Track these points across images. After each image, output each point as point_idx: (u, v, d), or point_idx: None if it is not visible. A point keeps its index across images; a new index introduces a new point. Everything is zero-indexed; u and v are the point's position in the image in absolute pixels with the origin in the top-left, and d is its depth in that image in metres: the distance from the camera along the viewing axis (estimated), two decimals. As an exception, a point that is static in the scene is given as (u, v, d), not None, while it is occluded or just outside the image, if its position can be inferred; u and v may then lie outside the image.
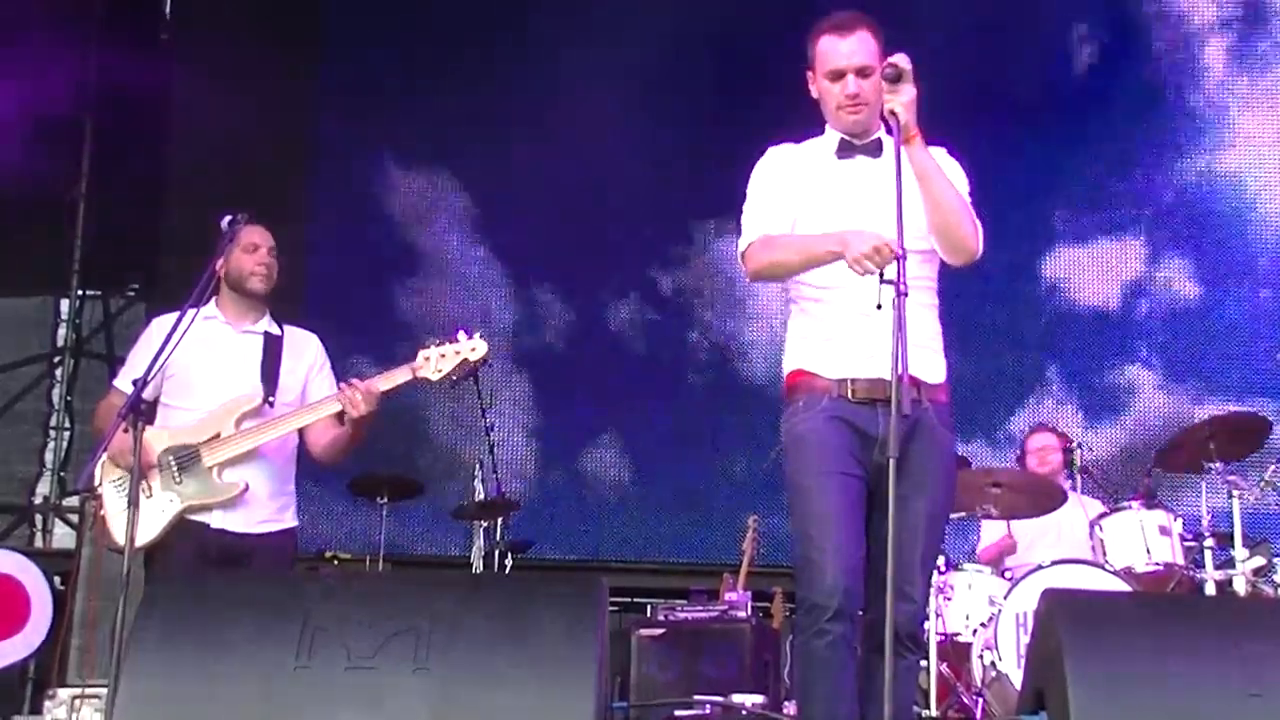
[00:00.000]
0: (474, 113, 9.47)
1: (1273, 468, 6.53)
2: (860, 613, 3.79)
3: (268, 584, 3.78)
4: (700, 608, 7.04)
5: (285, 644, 3.32)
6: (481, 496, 7.63)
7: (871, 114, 3.97)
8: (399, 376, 4.80)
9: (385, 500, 7.52)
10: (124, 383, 4.87)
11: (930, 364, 3.95)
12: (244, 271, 4.93)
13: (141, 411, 4.57)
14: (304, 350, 5.07)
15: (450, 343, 4.80)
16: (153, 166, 9.57)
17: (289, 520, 4.97)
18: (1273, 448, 6.89)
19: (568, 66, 9.35)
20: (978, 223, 3.99)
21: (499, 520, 7.63)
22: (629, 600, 8.26)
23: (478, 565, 7.49)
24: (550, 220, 9.44)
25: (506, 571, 7.49)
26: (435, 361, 4.76)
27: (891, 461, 3.58)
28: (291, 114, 9.63)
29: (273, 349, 4.96)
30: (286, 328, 5.08)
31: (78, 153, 9.61)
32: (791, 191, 4.02)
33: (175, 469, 4.75)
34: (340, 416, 4.83)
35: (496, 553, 7.57)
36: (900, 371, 3.56)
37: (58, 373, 9.75)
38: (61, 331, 9.81)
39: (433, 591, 3.53)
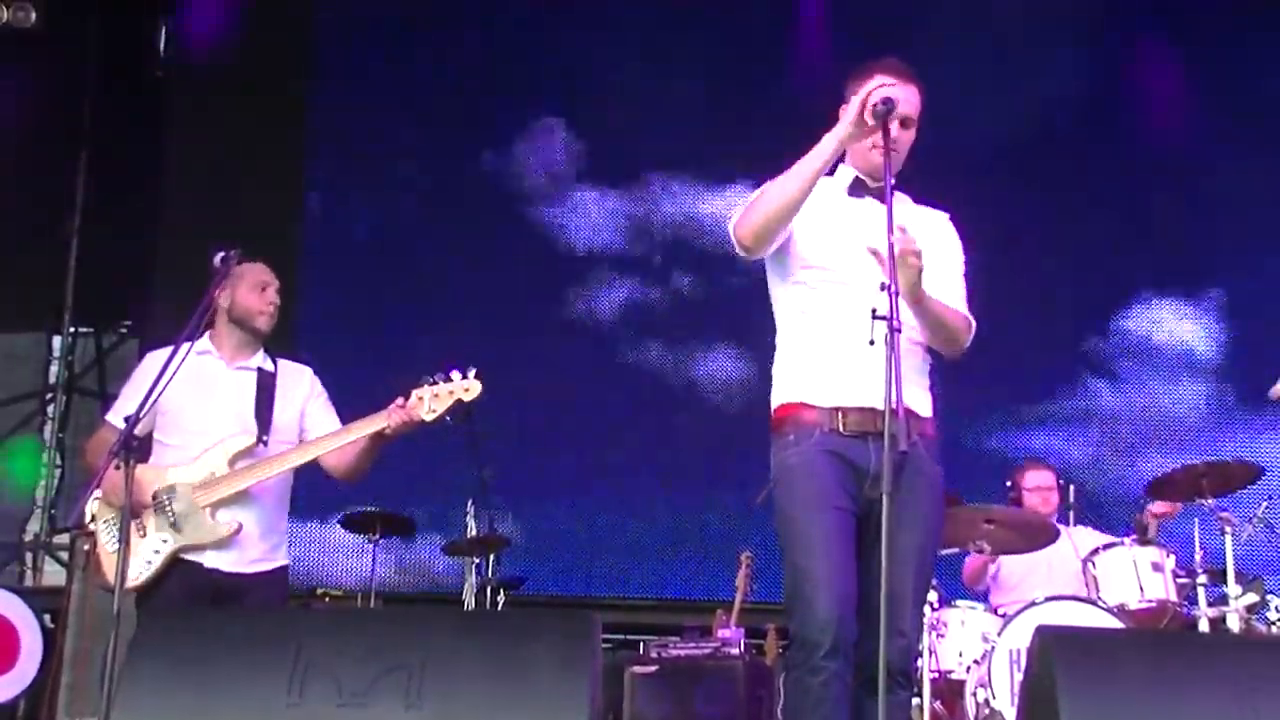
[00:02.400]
0: (464, 155, 9.53)
1: (1265, 504, 6.52)
2: (853, 647, 3.77)
3: (260, 620, 3.77)
4: (693, 644, 7.03)
5: (277, 681, 3.30)
6: (474, 532, 7.62)
7: (897, 163, 3.99)
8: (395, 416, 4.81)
9: (377, 537, 7.50)
10: (116, 418, 4.83)
11: (919, 398, 3.97)
12: (252, 310, 4.95)
13: (133, 449, 4.55)
14: (298, 385, 5.07)
15: (444, 381, 4.78)
16: (146, 203, 9.57)
17: (281, 558, 4.96)
18: (1265, 483, 6.87)
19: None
20: (972, 321, 4.05)
21: (491, 556, 7.62)
22: (622, 637, 8.23)
23: (470, 602, 7.47)
24: (542, 262, 9.49)
25: (499, 608, 7.47)
26: (429, 401, 4.74)
27: (886, 496, 3.57)
28: (284, 150, 9.65)
29: (266, 386, 4.96)
30: (280, 362, 5.08)
31: (71, 190, 9.62)
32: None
33: (170, 509, 4.74)
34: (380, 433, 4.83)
35: (489, 589, 7.55)
36: (895, 406, 3.55)
37: (49, 409, 9.74)
38: (54, 368, 9.79)
39: (425, 628, 3.52)
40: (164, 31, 9.90)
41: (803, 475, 3.90)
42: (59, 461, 9.58)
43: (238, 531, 4.76)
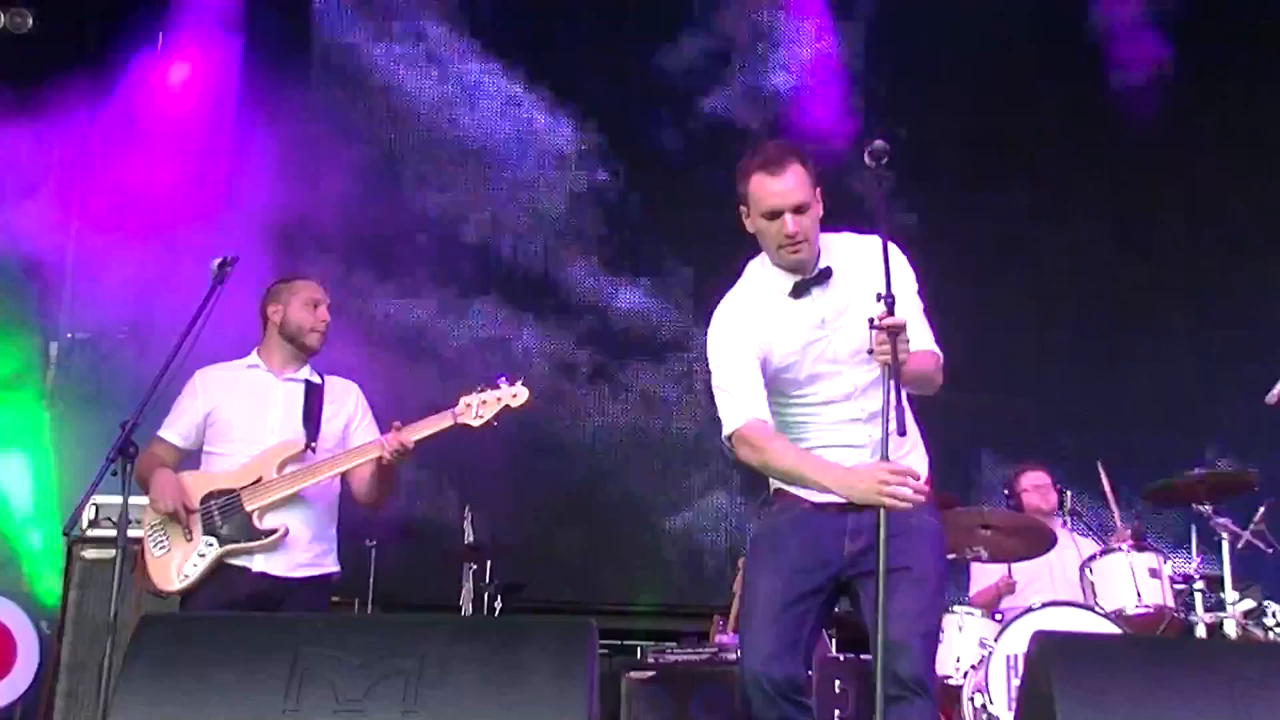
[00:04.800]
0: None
1: (1261, 511, 6.53)
2: (798, 686, 3.94)
3: (256, 627, 3.76)
4: (691, 650, 7.03)
5: (273, 687, 3.30)
6: (471, 538, 7.62)
7: (812, 248, 4.00)
8: (440, 423, 4.87)
9: (374, 543, 7.49)
10: (168, 433, 5.00)
11: (914, 460, 4.00)
12: (304, 327, 5.04)
13: (130, 455, 4.62)
14: (344, 399, 5.14)
15: (491, 389, 4.87)
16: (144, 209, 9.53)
17: (330, 565, 5.05)
18: (1262, 489, 6.88)
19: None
20: (939, 354, 4.07)
21: (488, 562, 7.61)
22: (619, 643, 8.23)
23: (467, 608, 7.46)
24: (535, 266, 9.50)
25: (496, 614, 7.47)
26: (476, 408, 4.85)
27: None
28: (282, 153, 9.62)
29: (314, 397, 5.04)
30: (327, 377, 5.16)
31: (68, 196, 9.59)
32: (757, 354, 4.03)
33: (216, 513, 4.78)
34: (378, 460, 4.91)
35: (486, 595, 7.54)
36: (894, 406, 3.68)
37: (46, 416, 9.70)
38: (50, 374, 9.76)
39: (422, 634, 3.52)
40: (161, 37, 9.87)
41: (770, 542, 4.09)
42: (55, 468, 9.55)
43: (284, 535, 4.82)
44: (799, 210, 3.93)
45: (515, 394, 4.86)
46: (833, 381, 4.00)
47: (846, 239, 4.13)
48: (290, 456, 4.88)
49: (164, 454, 4.96)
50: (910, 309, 3.95)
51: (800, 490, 4.03)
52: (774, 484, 4.16)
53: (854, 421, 3.97)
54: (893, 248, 3.96)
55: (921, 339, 4.00)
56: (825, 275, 4.02)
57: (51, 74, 8.77)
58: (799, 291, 4.03)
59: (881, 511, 3.69)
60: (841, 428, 4.00)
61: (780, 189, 3.93)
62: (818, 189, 4.01)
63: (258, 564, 4.82)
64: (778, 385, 4.05)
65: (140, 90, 9.19)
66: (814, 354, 4.00)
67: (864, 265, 3.98)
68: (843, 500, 3.90)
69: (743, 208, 4.04)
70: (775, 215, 3.94)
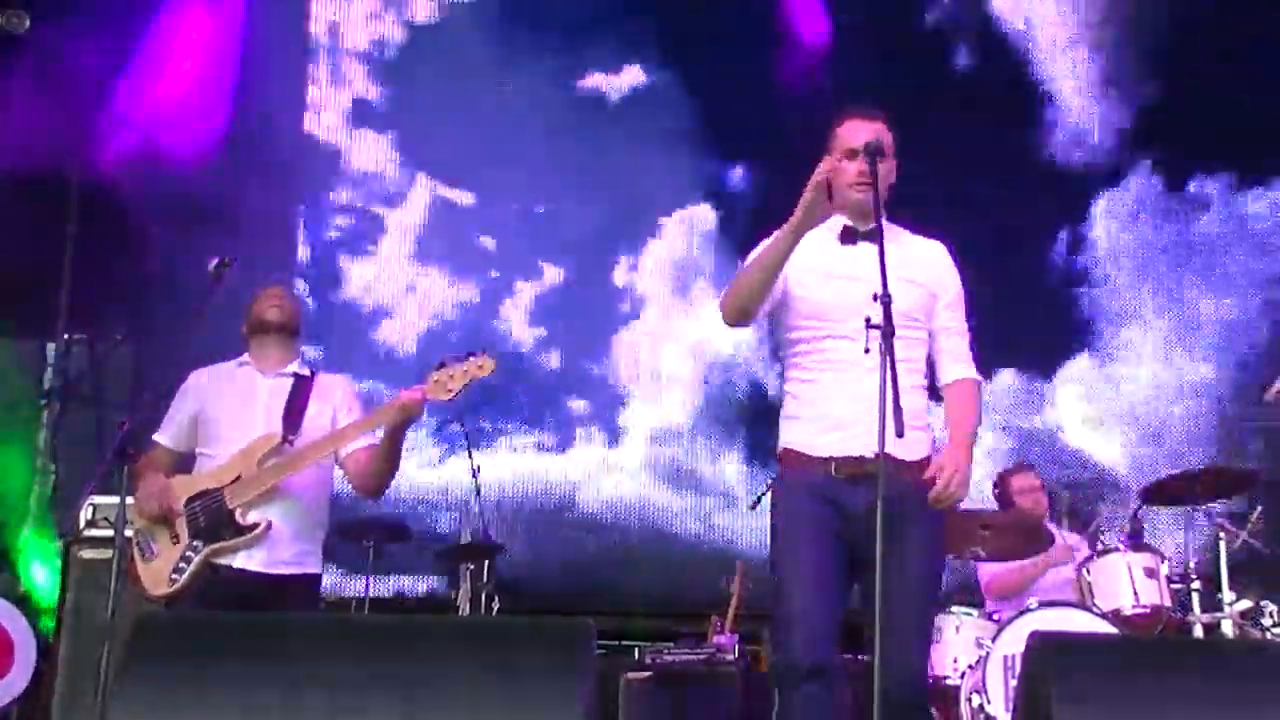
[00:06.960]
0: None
1: (1259, 510, 6.54)
2: (833, 667, 3.97)
3: (253, 627, 3.76)
4: (688, 651, 7.03)
5: (270, 689, 3.30)
6: (468, 539, 7.61)
7: (879, 198, 4.07)
8: (411, 399, 4.85)
9: (371, 543, 7.49)
10: (161, 436, 5.05)
11: (912, 443, 3.98)
12: (259, 311, 5.09)
13: (129, 456, 4.64)
14: (331, 392, 5.14)
15: (458, 363, 4.85)
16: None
17: (312, 566, 5.01)
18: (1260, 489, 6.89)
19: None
20: (980, 380, 4.25)
21: (485, 563, 7.61)
22: (617, 643, 8.22)
23: (464, 608, 7.46)
24: (535, 268, 9.51)
25: (493, 614, 7.47)
26: (445, 382, 4.82)
27: (880, 514, 3.68)
28: (276, 150, 9.63)
29: (299, 391, 5.05)
30: (318, 373, 5.18)
31: (66, 195, 9.60)
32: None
33: (200, 514, 4.78)
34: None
35: (483, 595, 7.54)
36: (889, 404, 3.70)
37: (44, 417, 9.71)
38: (48, 375, 9.77)
39: (419, 635, 3.52)
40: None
41: (794, 509, 4.11)
42: (53, 469, 9.56)
43: (267, 529, 4.81)
44: (881, 155, 4.09)
45: (481, 365, 4.83)
46: (844, 324, 4.03)
47: (914, 236, 4.32)
48: (268, 451, 4.87)
49: (159, 458, 5.00)
50: (955, 321, 4.23)
51: (804, 445, 4.10)
52: (781, 445, 4.20)
53: (855, 365, 3.97)
54: (947, 258, 4.30)
55: (960, 360, 4.22)
56: (877, 234, 4.05)
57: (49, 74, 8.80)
58: (847, 237, 4.17)
59: (879, 501, 3.72)
60: (845, 366, 4.04)
61: (868, 129, 4.12)
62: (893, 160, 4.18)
63: (239, 560, 4.81)
64: (799, 321, 4.15)
65: (140, 77, 9.19)
66: (835, 289, 4.10)
67: (923, 258, 4.24)
68: (846, 456, 4.00)
69: (827, 157, 4.16)
70: (854, 155, 4.11)
